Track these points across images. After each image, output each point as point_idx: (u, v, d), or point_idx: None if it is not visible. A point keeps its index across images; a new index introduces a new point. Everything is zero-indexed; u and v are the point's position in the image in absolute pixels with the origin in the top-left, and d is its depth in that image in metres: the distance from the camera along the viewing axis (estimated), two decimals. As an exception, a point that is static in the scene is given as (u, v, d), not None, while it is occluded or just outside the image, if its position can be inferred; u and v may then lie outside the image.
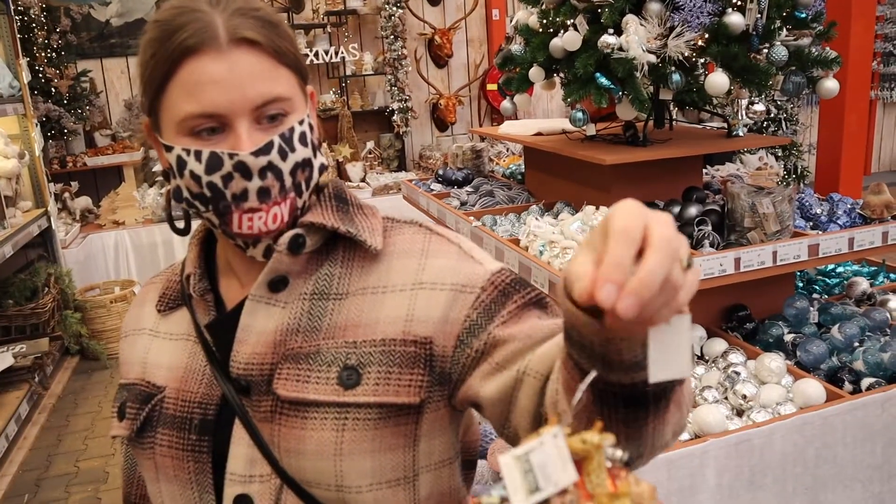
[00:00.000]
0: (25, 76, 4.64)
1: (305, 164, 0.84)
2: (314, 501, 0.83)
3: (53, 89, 5.53)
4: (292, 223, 0.85)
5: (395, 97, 6.45)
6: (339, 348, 0.84)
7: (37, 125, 4.78)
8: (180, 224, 0.92)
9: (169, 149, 0.83)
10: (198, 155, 0.80)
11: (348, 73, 6.45)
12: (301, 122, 0.84)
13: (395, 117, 6.50)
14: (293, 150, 0.82)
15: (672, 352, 0.55)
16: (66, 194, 5.55)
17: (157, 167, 5.75)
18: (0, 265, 3.77)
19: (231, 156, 0.79)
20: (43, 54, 5.51)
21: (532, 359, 0.77)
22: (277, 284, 0.86)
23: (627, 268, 0.50)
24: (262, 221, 0.82)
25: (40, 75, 5.41)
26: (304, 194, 0.86)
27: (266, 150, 0.80)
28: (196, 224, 0.94)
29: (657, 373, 0.54)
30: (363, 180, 6.19)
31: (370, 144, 6.60)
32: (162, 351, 0.93)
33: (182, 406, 0.88)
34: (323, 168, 0.88)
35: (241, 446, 0.85)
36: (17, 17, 4.87)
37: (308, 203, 0.88)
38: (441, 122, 6.94)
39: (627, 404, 0.61)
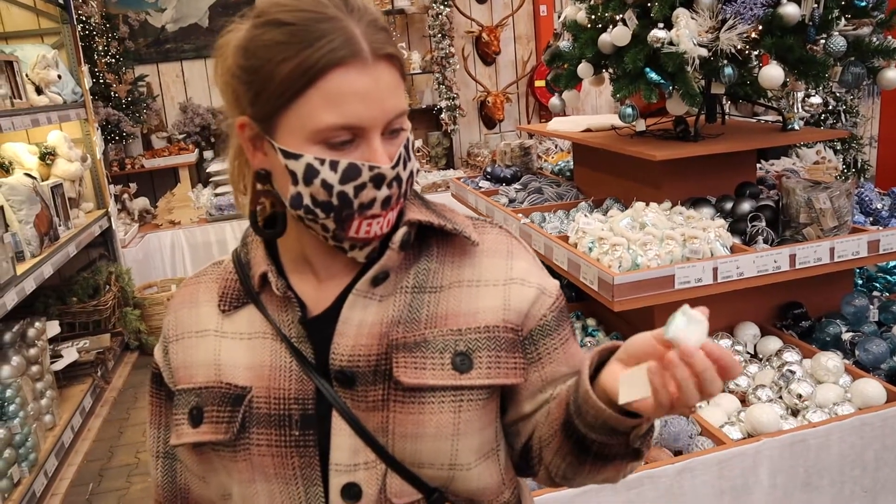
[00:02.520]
0: (87, 82, 4.81)
1: (412, 173, 0.89)
2: (419, 481, 0.87)
3: (113, 94, 5.72)
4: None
5: (443, 95, 6.47)
6: (446, 336, 0.88)
7: (97, 129, 4.95)
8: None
9: (297, 157, 0.82)
10: (333, 165, 0.81)
11: (396, 72, 6.49)
12: (410, 132, 0.89)
13: (443, 115, 6.52)
14: (410, 159, 0.87)
15: (638, 384, 0.75)
16: (126, 195, 5.73)
17: (212, 167, 5.90)
18: (64, 264, 3.91)
19: (371, 168, 0.82)
20: (103, 61, 5.71)
21: (561, 389, 0.94)
22: (378, 279, 0.89)
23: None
24: (379, 226, 0.86)
25: (100, 81, 5.61)
26: (406, 199, 0.91)
27: (398, 162, 0.84)
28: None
29: (626, 397, 0.76)
30: (412, 179, 6.23)
31: (418, 143, 6.63)
32: (235, 351, 0.92)
33: (276, 404, 0.88)
34: (417, 171, 0.92)
35: (342, 437, 0.87)
36: (78, 26, 5.05)
37: None
38: (489, 119, 6.93)
39: (577, 450, 0.88)
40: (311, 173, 0.82)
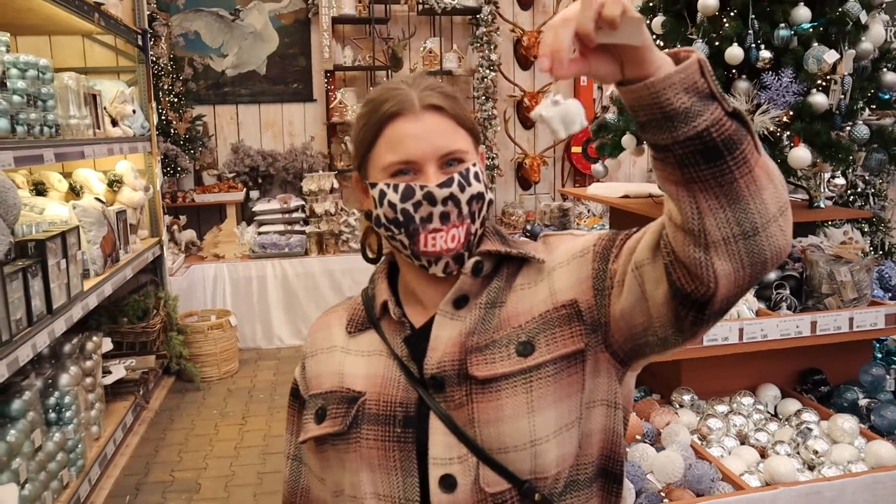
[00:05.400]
0: (154, 118, 5.14)
1: (479, 196, 1.07)
2: (507, 472, 1.02)
3: (173, 131, 6.06)
4: (468, 247, 1.08)
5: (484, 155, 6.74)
6: (510, 333, 1.06)
7: (159, 162, 5.26)
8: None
9: (374, 185, 1.07)
10: (395, 187, 1.05)
11: (440, 129, 6.78)
12: (474, 165, 1.09)
13: (481, 174, 6.77)
14: (470, 184, 1.06)
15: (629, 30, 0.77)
16: (175, 227, 6.02)
17: (257, 206, 6.18)
18: (119, 286, 4.14)
19: (422, 187, 1.04)
20: (167, 99, 6.08)
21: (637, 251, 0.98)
22: (460, 302, 1.08)
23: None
24: (443, 240, 1.05)
25: (163, 118, 5.96)
26: (477, 222, 1.08)
27: (448, 183, 1.04)
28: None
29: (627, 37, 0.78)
30: (447, 231, 6.45)
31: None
32: (356, 364, 1.12)
33: (384, 406, 1.07)
34: (491, 202, 1.13)
35: (439, 434, 1.03)
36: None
37: (480, 232, 1.11)
38: (525, 180, 7.18)
39: (707, 159, 0.82)
40: (382, 196, 1.06)
